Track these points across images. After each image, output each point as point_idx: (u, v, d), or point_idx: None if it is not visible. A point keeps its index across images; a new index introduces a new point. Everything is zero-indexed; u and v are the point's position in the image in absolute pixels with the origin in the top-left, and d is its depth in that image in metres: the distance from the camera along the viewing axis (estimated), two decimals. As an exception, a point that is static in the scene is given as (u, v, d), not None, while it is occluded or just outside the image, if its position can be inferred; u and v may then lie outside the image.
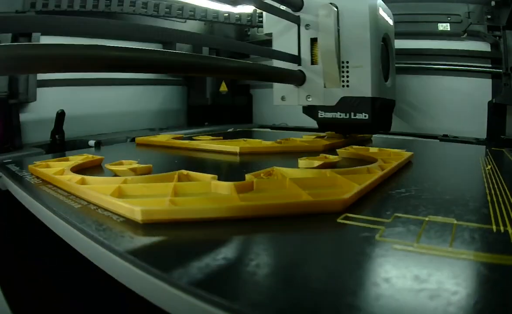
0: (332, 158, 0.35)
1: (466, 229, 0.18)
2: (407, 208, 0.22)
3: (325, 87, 0.50)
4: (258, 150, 0.45)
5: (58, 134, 0.59)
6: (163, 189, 0.24)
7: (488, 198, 0.24)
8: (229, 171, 0.45)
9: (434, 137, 0.67)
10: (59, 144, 0.60)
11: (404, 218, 0.20)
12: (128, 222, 0.20)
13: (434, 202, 0.23)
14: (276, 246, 0.17)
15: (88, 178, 0.27)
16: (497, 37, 0.67)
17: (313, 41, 0.50)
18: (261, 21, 0.75)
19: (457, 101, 0.73)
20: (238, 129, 0.81)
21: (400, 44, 0.75)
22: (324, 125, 0.53)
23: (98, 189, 0.24)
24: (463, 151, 0.51)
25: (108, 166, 0.31)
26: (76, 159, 0.36)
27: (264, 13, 0.53)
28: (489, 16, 0.67)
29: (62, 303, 0.34)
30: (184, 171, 0.28)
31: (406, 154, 0.37)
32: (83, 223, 0.20)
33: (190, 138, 0.56)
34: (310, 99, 0.51)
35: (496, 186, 0.28)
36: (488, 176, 0.31)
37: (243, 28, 0.93)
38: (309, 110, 0.53)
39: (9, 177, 0.33)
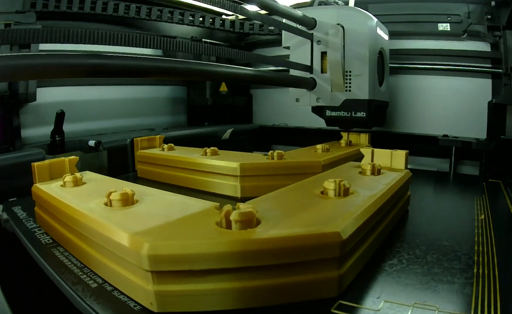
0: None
1: None
2: (397, 289, 0.24)
3: (331, 91, 0.61)
4: (258, 167, 0.46)
5: (58, 134, 0.59)
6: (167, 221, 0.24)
7: (475, 269, 0.26)
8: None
9: (434, 137, 0.67)
10: (59, 144, 0.59)
11: (393, 304, 0.22)
12: (144, 311, 0.21)
13: (422, 280, 0.25)
14: None
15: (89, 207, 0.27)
16: (497, 37, 0.67)
17: (323, 54, 0.61)
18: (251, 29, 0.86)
19: (457, 101, 0.72)
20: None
21: (400, 44, 0.75)
22: (330, 122, 0.65)
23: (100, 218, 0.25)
24: (459, 188, 0.56)
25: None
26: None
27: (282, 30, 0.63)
28: (489, 16, 0.67)
29: (62, 303, 0.34)
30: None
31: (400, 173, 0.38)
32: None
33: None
34: (319, 101, 0.62)
35: (485, 249, 0.30)
36: (480, 232, 0.33)
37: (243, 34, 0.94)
38: (318, 110, 0.64)
39: (17, 227, 0.35)
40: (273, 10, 0.50)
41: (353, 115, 0.60)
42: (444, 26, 0.72)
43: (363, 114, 0.60)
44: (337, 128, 0.68)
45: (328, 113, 0.63)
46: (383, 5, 0.76)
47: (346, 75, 0.59)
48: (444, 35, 0.72)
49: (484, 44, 0.70)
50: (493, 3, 0.66)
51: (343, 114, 0.61)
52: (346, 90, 0.60)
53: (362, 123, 0.61)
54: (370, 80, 0.58)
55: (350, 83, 0.59)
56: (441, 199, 0.51)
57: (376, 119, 0.65)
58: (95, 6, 0.67)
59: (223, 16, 0.89)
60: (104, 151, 0.59)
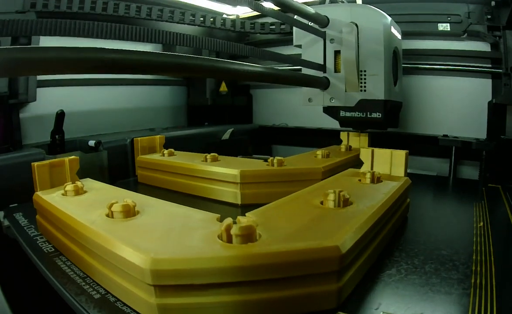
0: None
1: None
2: (395, 300, 0.24)
3: (346, 91, 0.59)
4: (258, 174, 0.46)
5: (58, 134, 0.59)
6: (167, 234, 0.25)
7: (472, 280, 0.26)
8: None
9: (434, 137, 0.67)
10: (59, 144, 0.60)
11: None
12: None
13: (420, 290, 0.25)
14: None
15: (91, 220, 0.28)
16: (497, 37, 0.67)
17: (337, 53, 0.59)
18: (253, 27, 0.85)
19: (457, 101, 0.72)
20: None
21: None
22: (344, 123, 0.63)
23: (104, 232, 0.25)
24: (458, 194, 0.56)
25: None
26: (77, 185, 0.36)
27: (294, 27, 0.62)
28: (489, 16, 0.67)
29: (62, 303, 0.34)
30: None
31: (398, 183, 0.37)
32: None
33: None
34: (333, 101, 0.61)
35: (483, 258, 0.30)
36: (478, 241, 0.33)
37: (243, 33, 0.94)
38: (330, 110, 0.63)
39: (19, 234, 0.35)
40: (286, 7, 0.49)
41: (368, 115, 0.59)
42: (444, 26, 0.72)
43: (379, 115, 0.58)
44: (336, 128, 0.68)
45: (342, 113, 0.61)
46: (383, 5, 0.75)
47: (361, 75, 0.58)
48: (444, 35, 0.72)
49: (484, 44, 0.70)
50: (493, 3, 0.66)
51: (358, 114, 0.59)
52: (361, 90, 0.58)
53: (377, 124, 0.59)
54: (386, 80, 0.57)
55: (365, 82, 0.58)
56: (440, 205, 0.51)
57: (391, 120, 0.64)
58: (95, 6, 0.67)
59: (224, 15, 0.89)
60: (104, 151, 0.59)
